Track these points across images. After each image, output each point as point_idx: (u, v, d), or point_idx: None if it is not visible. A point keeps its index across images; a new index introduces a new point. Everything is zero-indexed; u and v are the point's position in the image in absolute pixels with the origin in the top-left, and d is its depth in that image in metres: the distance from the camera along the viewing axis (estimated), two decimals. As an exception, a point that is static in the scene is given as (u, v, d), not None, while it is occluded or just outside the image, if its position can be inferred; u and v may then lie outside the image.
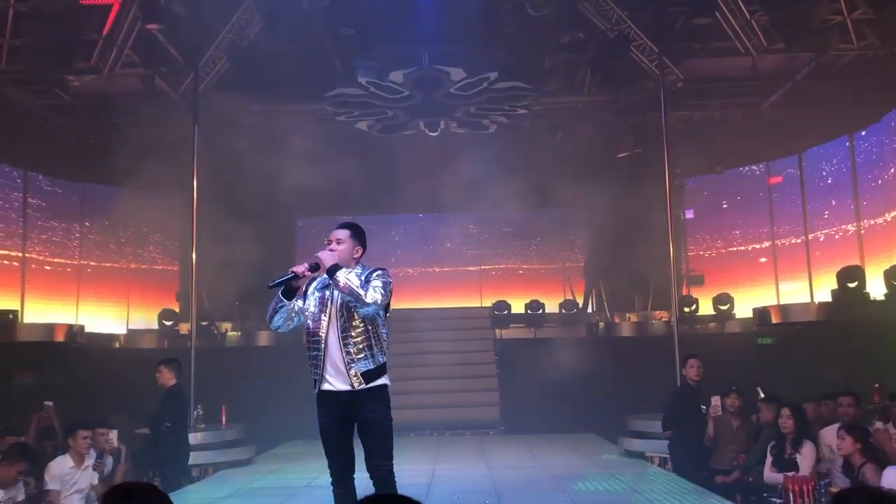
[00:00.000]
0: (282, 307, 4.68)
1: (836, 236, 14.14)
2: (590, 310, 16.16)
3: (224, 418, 10.70)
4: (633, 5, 11.69)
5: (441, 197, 13.61)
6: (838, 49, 11.66)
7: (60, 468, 6.92)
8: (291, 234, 17.37)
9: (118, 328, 15.15)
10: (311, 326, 4.67)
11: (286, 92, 13.02)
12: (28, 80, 11.81)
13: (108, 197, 15.44)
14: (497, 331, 15.11)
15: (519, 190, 13.59)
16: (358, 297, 4.43)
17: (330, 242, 4.74)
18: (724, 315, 14.42)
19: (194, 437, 9.08)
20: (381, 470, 4.58)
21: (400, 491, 1.98)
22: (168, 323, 14.41)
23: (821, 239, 14.52)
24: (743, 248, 16.24)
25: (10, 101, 12.32)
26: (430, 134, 13.88)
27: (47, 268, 14.55)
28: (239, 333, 14.71)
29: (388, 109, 13.26)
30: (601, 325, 15.15)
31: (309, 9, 11.27)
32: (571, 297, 16.07)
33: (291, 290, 4.69)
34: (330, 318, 4.61)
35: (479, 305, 16.44)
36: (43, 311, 13.85)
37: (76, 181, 15.18)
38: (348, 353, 4.53)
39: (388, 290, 4.57)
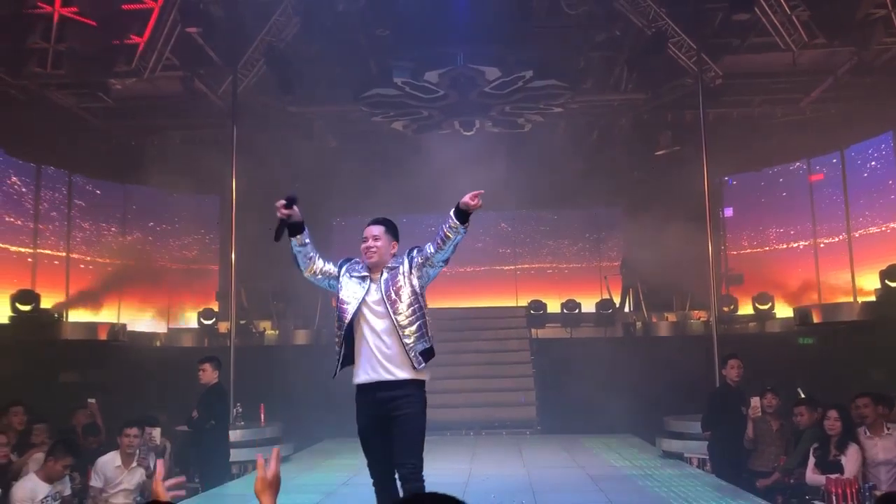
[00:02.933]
0: (298, 251, 4.67)
1: (880, 234, 13.84)
2: (627, 309, 16.04)
3: (263, 416, 10.82)
4: (671, 1, 11.57)
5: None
6: (882, 43, 11.42)
7: (105, 466, 7.03)
8: (329, 233, 17.51)
9: (159, 327, 15.42)
10: (342, 316, 4.59)
11: (323, 93, 13.14)
12: (71, 84, 12.08)
13: (149, 197, 15.73)
14: (533, 330, 15.08)
15: (555, 188, 13.55)
16: (452, 242, 4.54)
17: (367, 240, 4.72)
18: (764, 315, 14.21)
19: (233, 435, 9.19)
20: (406, 468, 4.41)
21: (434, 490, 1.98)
22: (208, 322, 14.62)
23: (864, 236, 14.22)
24: (783, 246, 15.99)
25: (55, 105, 12.60)
26: (466, 133, 13.89)
27: (90, 267, 14.86)
28: (277, 332, 14.87)
29: (423, 109, 13.29)
30: (638, 324, 15.03)
31: (344, 10, 11.36)
32: (608, 297, 15.96)
33: (294, 227, 4.59)
34: (370, 307, 4.56)
35: (514, 305, 16.41)
36: (86, 311, 14.16)
37: (118, 182, 15.48)
38: (406, 335, 4.49)
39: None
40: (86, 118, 13.39)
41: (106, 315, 14.42)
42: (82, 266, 14.69)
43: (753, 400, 7.93)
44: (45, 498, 6.31)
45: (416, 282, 4.60)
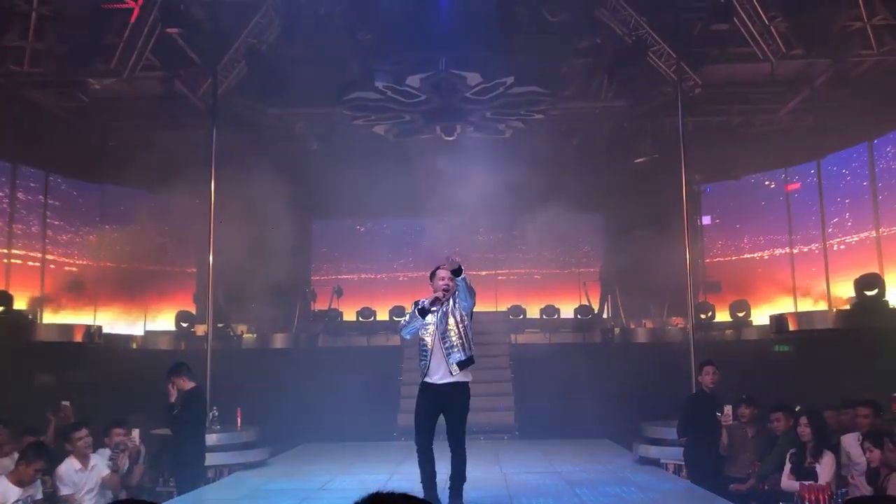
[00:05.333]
0: (417, 323, 6.51)
1: (855, 243, 14.01)
2: (605, 315, 16.11)
3: (239, 420, 10.74)
4: (651, 11, 11.66)
5: (456, 201, 13.62)
6: (858, 55, 11.58)
7: (68, 471, 6.98)
8: (308, 236, 17.46)
9: (136, 329, 15.26)
10: (422, 337, 6.54)
11: (304, 96, 13.09)
12: (49, 82, 11.94)
13: (127, 198, 15.59)
14: (512, 336, 15.09)
15: (536, 195, 13.59)
16: (473, 291, 6.40)
17: (444, 279, 6.50)
18: (740, 322, 14.33)
19: (209, 439, 9.10)
20: (459, 447, 6.49)
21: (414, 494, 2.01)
22: (185, 325, 14.49)
23: (839, 246, 14.40)
24: (760, 254, 16.14)
25: (32, 104, 12.46)
26: (447, 138, 13.90)
27: (66, 268, 14.69)
28: (255, 335, 14.77)
29: (404, 114, 13.29)
30: (617, 330, 15.10)
31: (327, 13, 11.34)
32: (587, 303, 16.03)
33: (423, 311, 6.48)
34: (435, 329, 6.46)
35: (494, 310, 16.43)
36: (62, 312, 13.99)
37: (95, 183, 15.33)
38: (447, 349, 6.40)
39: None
40: (63, 117, 13.25)
41: (81, 317, 14.26)
42: (57, 267, 14.51)
43: (726, 408, 7.98)
44: (16, 502, 6.23)
45: (457, 313, 6.49)
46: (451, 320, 6.51)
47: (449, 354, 6.41)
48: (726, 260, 16.60)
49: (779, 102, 13.58)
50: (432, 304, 6.49)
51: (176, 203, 14.74)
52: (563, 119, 14.49)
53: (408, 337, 6.81)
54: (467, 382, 6.51)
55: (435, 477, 6.46)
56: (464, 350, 6.45)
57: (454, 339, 6.46)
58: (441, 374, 6.42)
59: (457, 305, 6.54)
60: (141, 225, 15.44)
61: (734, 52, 11.98)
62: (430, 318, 6.54)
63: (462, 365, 6.43)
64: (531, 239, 17.39)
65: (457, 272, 6.32)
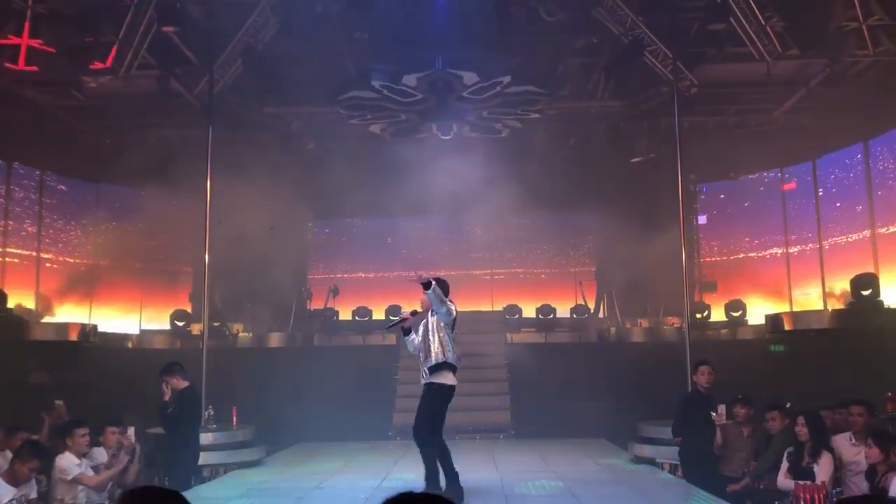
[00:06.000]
0: (407, 340, 7.47)
1: (851, 243, 14.04)
2: (601, 315, 16.11)
3: (235, 419, 10.72)
4: (648, 10, 11.67)
5: (452, 200, 13.61)
6: (854, 55, 11.59)
7: (70, 465, 6.95)
8: (305, 235, 17.43)
9: (131, 328, 15.23)
10: (417, 344, 7.43)
11: (300, 95, 13.07)
12: (45, 81, 11.91)
13: (123, 197, 15.56)
14: (508, 335, 15.09)
15: (532, 194, 13.58)
16: (442, 302, 6.99)
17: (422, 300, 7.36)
18: (736, 321, 14.34)
19: (205, 438, 9.09)
20: (418, 438, 7.09)
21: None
22: (180, 323, 14.46)
23: (835, 245, 14.42)
24: (756, 254, 16.17)
25: (27, 102, 12.42)
26: (443, 138, 13.89)
27: (61, 267, 14.65)
28: (250, 334, 14.75)
29: (400, 113, 13.27)
30: (612, 330, 15.10)
31: (323, 12, 11.32)
32: (583, 302, 16.03)
33: (405, 330, 7.42)
34: (422, 340, 7.34)
35: (490, 309, 16.42)
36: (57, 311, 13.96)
37: (91, 181, 15.30)
38: (425, 355, 7.24)
39: (451, 307, 7.17)
40: (59, 116, 13.21)
41: (76, 315, 14.22)
42: (53, 265, 14.48)
43: (720, 407, 7.98)
44: (11, 501, 6.20)
45: (432, 323, 7.23)
46: (431, 331, 7.30)
47: (425, 360, 7.24)
48: (722, 259, 16.62)
49: (775, 102, 13.60)
50: (395, 323, 7.63)
51: (172, 202, 14.71)
52: (560, 118, 14.49)
53: (412, 350, 7.55)
54: (439, 384, 7.17)
55: (447, 451, 7.07)
56: (435, 357, 7.19)
57: (432, 347, 7.23)
58: (422, 374, 7.27)
59: (434, 317, 7.24)
60: (136, 223, 15.42)
61: (730, 52, 11.99)
62: (420, 328, 7.41)
63: (432, 370, 7.18)
64: (527, 238, 17.41)
65: (425, 286, 6.95)
